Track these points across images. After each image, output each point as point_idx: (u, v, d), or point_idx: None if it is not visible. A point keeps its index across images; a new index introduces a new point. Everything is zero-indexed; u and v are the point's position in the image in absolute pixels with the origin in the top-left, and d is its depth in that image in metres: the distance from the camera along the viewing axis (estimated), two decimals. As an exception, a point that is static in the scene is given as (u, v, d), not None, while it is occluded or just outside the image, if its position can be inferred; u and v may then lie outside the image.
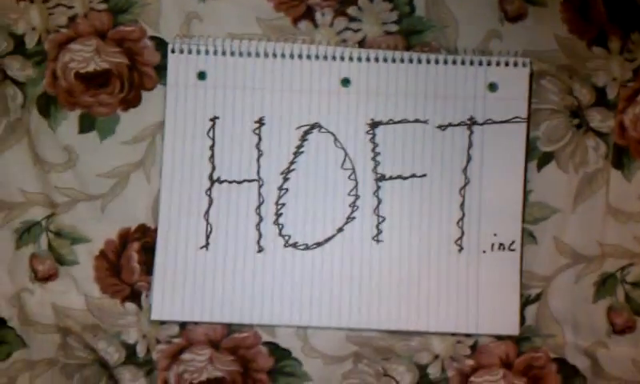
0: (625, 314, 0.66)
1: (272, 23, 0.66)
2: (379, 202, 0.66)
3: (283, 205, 0.66)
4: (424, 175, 0.66)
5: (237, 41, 0.66)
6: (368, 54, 0.66)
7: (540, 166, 0.66)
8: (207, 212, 0.65)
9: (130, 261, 0.66)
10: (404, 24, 0.66)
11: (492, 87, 0.66)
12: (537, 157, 0.66)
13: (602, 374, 0.66)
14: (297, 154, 0.66)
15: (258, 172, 0.66)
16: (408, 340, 0.66)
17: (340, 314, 0.65)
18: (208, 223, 0.65)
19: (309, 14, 0.66)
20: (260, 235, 0.65)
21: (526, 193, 0.66)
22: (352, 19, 0.66)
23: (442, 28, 0.66)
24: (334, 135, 0.66)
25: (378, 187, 0.66)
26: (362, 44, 0.66)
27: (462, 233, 0.66)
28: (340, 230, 0.66)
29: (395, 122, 0.66)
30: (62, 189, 0.66)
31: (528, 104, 0.66)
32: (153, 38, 0.66)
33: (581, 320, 0.66)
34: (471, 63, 0.66)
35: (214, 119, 0.65)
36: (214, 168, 0.65)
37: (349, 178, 0.66)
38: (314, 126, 0.66)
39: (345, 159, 0.66)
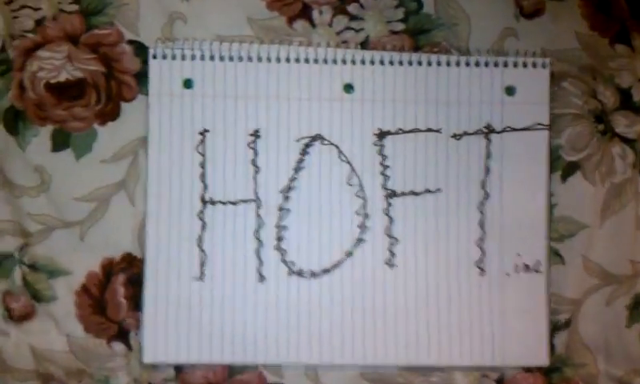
0: (662, 338, 0.61)
1: (265, 24, 0.59)
2: (390, 221, 0.59)
3: (284, 227, 0.58)
4: (438, 190, 0.59)
5: (226, 44, 0.58)
6: (372, 57, 0.59)
7: (564, 177, 0.60)
8: (200, 238, 0.58)
9: (115, 295, 0.59)
10: (411, 22, 0.60)
11: (509, 91, 0.59)
12: (560, 167, 0.60)
13: (639, 404, 0.61)
14: (297, 169, 0.59)
15: (255, 191, 0.58)
16: (428, 376, 0.60)
17: (353, 349, 0.58)
18: (202, 250, 0.58)
19: (305, 13, 0.59)
20: (260, 262, 0.58)
21: (550, 207, 0.60)
22: (353, 18, 0.60)
23: (452, 26, 0.60)
24: (337, 147, 0.59)
25: (389, 205, 0.59)
26: (364, 45, 0.60)
27: (483, 254, 0.59)
28: (349, 254, 0.59)
29: (405, 132, 0.59)
30: (35, 215, 0.59)
31: (549, 109, 0.59)
32: (131, 42, 0.59)
33: (614, 346, 0.60)
34: (486, 65, 0.59)
35: (203, 132, 0.58)
36: (205, 188, 0.58)
37: (356, 195, 0.59)
38: (316, 137, 0.59)
39: (351, 174, 0.59)
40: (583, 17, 0.60)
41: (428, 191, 0.59)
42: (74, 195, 0.58)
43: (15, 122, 0.58)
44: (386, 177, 0.59)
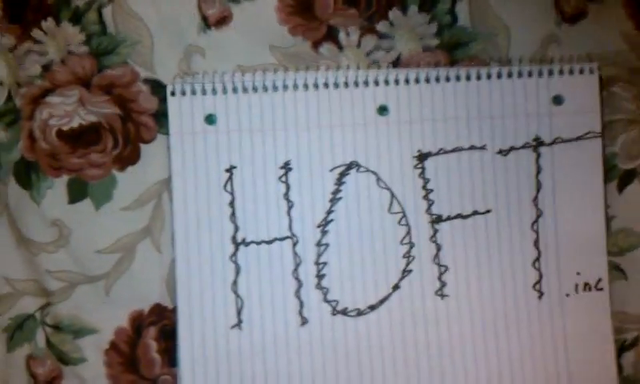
0: None
1: (289, 50, 0.54)
2: (438, 248, 0.54)
3: (324, 264, 0.54)
4: (488, 211, 0.54)
5: (249, 74, 0.54)
6: (406, 75, 0.54)
7: (621, 187, 0.56)
8: (235, 282, 0.53)
9: (147, 351, 0.54)
10: (445, 37, 0.55)
11: (557, 100, 0.55)
12: (616, 176, 0.56)
13: None
14: (334, 200, 0.54)
15: (290, 227, 0.54)
16: None
17: None
18: (237, 296, 0.53)
19: (331, 36, 0.54)
20: (301, 304, 0.54)
21: (607, 220, 0.55)
22: (382, 36, 0.55)
23: (490, 37, 0.55)
24: (375, 174, 0.54)
25: (435, 231, 0.54)
26: (396, 64, 0.55)
27: (540, 275, 0.54)
28: (396, 287, 0.54)
29: (447, 152, 0.54)
30: (55, 272, 0.54)
31: (601, 116, 0.55)
32: (147, 80, 0.54)
33: (687, 363, 0.56)
34: (529, 74, 0.54)
35: (230, 169, 0.53)
36: (236, 228, 0.53)
37: (399, 223, 0.54)
38: (351, 165, 0.54)
39: (392, 201, 0.54)
40: (628, 17, 0.56)
41: (476, 213, 0.54)
42: (96, 247, 0.54)
43: (27, 174, 0.54)
44: (429, 201, 0.54)
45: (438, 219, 0.54)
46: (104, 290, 0.54)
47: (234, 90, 0.53)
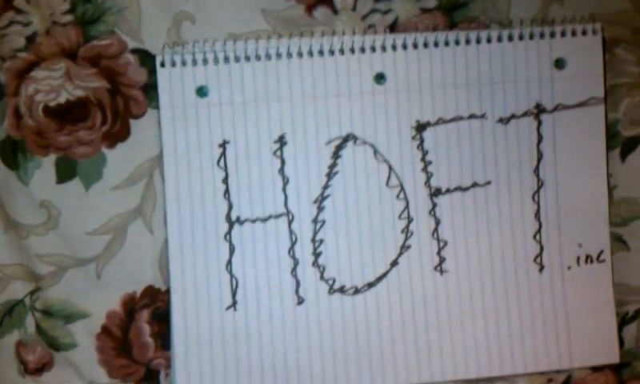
0: None
1: (282, 15, 0.52)
2: (437, 222, 0.53)
3: (321, 241, 0.52)
4: (488, 183, 0.53)
5: (241, 42, 0.52)
6: (404, 40, 0.52)
7: (624, 155, 0.55)
8: (229, 262, 0.52)
9: (140, 334, 0.53)
10: (444, -3, 0.54)
11: (559, 64, 0.53)
12: (619, 144, 0.55)
13: None
14: (330, 175, 0.52)
15: (286, 204, 0.52)
16: None
17: (407, 367, 0.53)
18: (232, 276, 0.52)
19: (325, -1, 0.53)
20: (298, 283, 0.52)
21: (609, 189, 0.54)
22: (379, -1, 0.54)
23: (490, -3, 0.54)
24: (373, 147, 0.53)
25: (434, 204, 0.53)
26: (394, 28, 0.53)
27: (541, 248, 0.53)
28: (394, 263, 0.53)
29: (446, 121, 0.53)
30: (44, 256, 0.53)
31: (604, 80, 0.53)
32: (136, 50, 0.52)
33: (689, 333, 0.55)
34: (531, 37, 0.53)
35: (223, 144, 0.52)
36: (230, 206, 0.52)
37: (397, 197, 0.53)
38: (348, 137, 0.52)
39: (390, 175, 0.53)
40: None
41: (476, 185, 0.53)
42: (86, 229, 0.52)
43: (14, 154, 0.52)
44: (428, 173, 0.53)
45: (437, 192, 0.53)
46: (95, 273, 0.53)
47: (226, 59, 0.51)
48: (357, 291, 0.53)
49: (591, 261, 0.54)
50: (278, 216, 0.52)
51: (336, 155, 0.52)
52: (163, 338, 0.53)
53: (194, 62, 0.51)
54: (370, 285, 0.53)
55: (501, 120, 0.53)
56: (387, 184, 0.53)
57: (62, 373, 0.53)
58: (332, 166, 0.52)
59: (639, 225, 0.55)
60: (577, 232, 0.54)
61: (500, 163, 0.53)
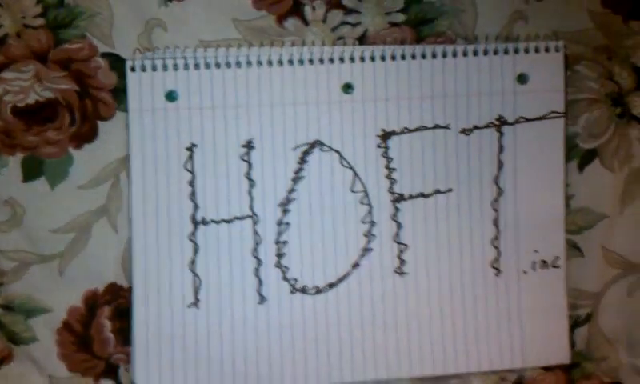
0: (686, 326, 0.76)
1: (252, 24, 0.70)
2: (399, 227, 0.72)
3: (285, 243, 0.71)
4: (449, 190, 0.73)
5: (211, 50, 0.69)
6: (372, 52, 0.71)
7: (582, 167, 0.75)
8: (193, 261, 0.70)
9: (101, 330, 0.71)
10: (412, 12, 0.72)
11: (522, 79, 0.72)
12: (578, 156, 0.74)
13: (665, 395, 0.76)
14: (296, 179, 0.71)
15: (251, 206, 0.71)
16: (445, 382, 0.74)
17: (364, 364, 0.72)
18: (195, 275, 0.70)
19: (296, 10, 0.71)
20: (260, 282, 0.71)
21: (567, 199, 0.74)
22: (349, 11, 0.71)
23: (457, 13, 0.72)
24: (338, 153, 0.71)
25: (397, 210, 0.72)
26: (362, 40, 0.72)
27: (499, 253, 0.73)
28: (355, 265, 0.72)
29: (411, 131, 0.72)
30: (8, 252, 0.70)
31: (564, 95, 0.73)
32: (106, 55, 0.69)
33: (636, 337, 0.76)
34: (495, 52, 0.72)
35: (191, 148, 0.70)
36: (196, 207, 0.70)
37: (361, 202, 0.72)
38: (314, 144, 0.71)
39: (354, 180, 0.72)
40: None
41: (438, 192, 0.72)
42: (51, 227, 0.69)
43: (-20, 152, 0.68)
44: (392, 180, 0.72)
45: (399, 198, 0.72)
46: (58, 270, 0.70)
47: (196, 65, 0.69)
48: (318, 291, 0.71)
49: (546, 266, 0.74)
50: (242, 218, 0.70)
51: (302, 160, 0.71)
52: (124, 334, 0.70)
53: (165, 67, 0.68)
54: (332, 285, 0.71)
55: (464, 131, 0.72)
56: (352, 189, 0.71)
57: (22, 366, 0.70)
58: (298, 171, 0.71)
59: (594, 233, 0.75)
60: (533, 238, 0.73)
61: (462, 172, 0.72)
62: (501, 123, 0.73)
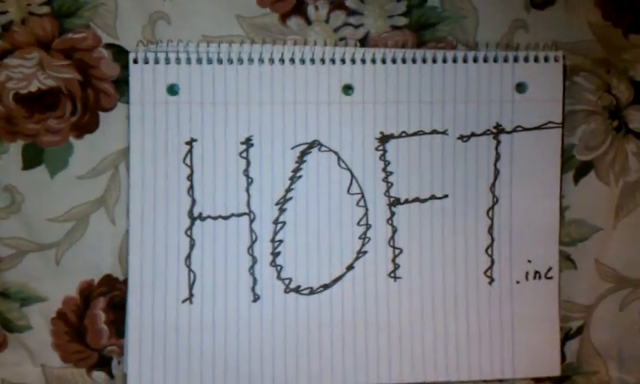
0: (677, 342, 0.77)
1: (256, 22, 0.71)
2: (394, 231, 0.72)
3: (280, 242, 0.71)
4: (445, 196, 0.73)
5: (214, 45, 0.70)
6: (373, 55, 0.71)
7: (577, 178, 0.75)
8: (189, 256, 0.70)
9: (95, 321, 0.71)
10: (414, 16, 0.72)
11: (520, 88, 0.73)
12: (573, 167, 0.75)
13: (653, 411, 0.76)
14: (293, 178, 0.71)
15: (248, 204, 0.71)
16: None
17: (355, 368, 0.72)
18: (190, 270, 0.70)
19: (300, 9, 0.71)
20: (255, 281, 0.71)
21: (561, 210, 0.74)
22: (352, 13, 0.72)
23: (458, 19, 0.72)
24: (337, 154, 0.72)
25: (393, 213, 0.72)
26: (364, 42, 0.72)
27: (492, 262, 0.74)
28: (350, 267, 0.72)
29: (409, 135, 0.72)
30: (5, 239, 0.70)
31: (562, 106, 0.73)
32: (110, 45, 0.70)
33: (627, 352, 0.76)
34: (495, 60, 0.72)
35: (190, 142, 0.70)
36: (193, 202, 0.70)
37: (357, 204, 0.72)
38: (313, 144, 0.71)
39: (351, 182, 0.72)
40: (596, 5, 0.73)
41: (434, 197, 0.72)
42: (49, 215, 0.69)
43: (-19, 138, 0.68)
44: (389, 184, 0.72)
45: (395, 202, 0.72)
46: (54, 259, 0.70)
47: (199, 60, 0.69)
48: (312, 292, 0.71)
49: (539, 277, 0.74)
50: (239, 215, 0.70)
51: (301, 160, 0.71)
52: (118, 326, 0.71)
53: (167, 61, 0.69)
54: (326, 286, 0.72)
55: (461, 137, 0.72)
56: (348, 191, 0.71)
57: (15, 354, 0.70)
58: (296, 170, 0.71)
59: (588, 245, 0.75)
60: (527, 249, 0.73)
61: (458, 178, 0.72)
62: (498, 131, 0.73)
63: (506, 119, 0.73)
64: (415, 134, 0.72)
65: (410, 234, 0.73)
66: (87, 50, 0.69)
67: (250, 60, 0.70)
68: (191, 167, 0.70)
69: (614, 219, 0.75)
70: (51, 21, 0.69)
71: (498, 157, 0.73)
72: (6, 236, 0.70)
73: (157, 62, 0.69)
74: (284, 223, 0.72)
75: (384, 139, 0.72)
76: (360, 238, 0.72)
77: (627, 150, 0.75)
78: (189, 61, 0.70)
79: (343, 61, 0.71)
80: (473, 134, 0.73)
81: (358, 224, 0.72)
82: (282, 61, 0.71)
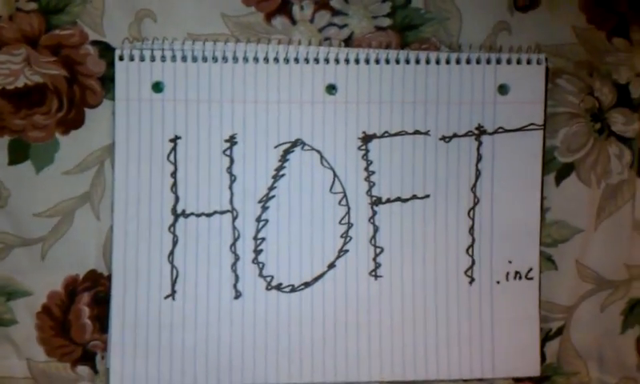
0: (656, 344, 0.77)
1: (241, 20, 0.71)
2: (376, 230, 0.73)
3: (263, 240, 0.72)
4: (427, 196, 0.73)
5: (199, 43, 0.70)
6: (356, 55, 0.72)
7: (559, 180, 0.75)
8: (172, 253, 0.71)
9: (79, 316, 0.71)
10: (398, 17, 0.73)
11: (502, 89, 0.73)
12: (555, 169, 0.75)
13: (633, 413, 0.77)
14: (276, 177, 0.72)
15: (231, 201, 0.71)
16: None
17: (335, 366, 0.73)
18: (173, 267, 0.71)
19: (285, 9, 0.72)
20: (237, 278, 0.72)
21: (542, 211, 0.74)
22: (336, 13, 0.72)
23: (442, 21, 0.73)
24: (319, 153, 0.72)
25: (374, 213, 0.73)
26: (348, 43, 0.73)
27: (473, 261, 0.74)
28: (331, 266, 0.73)
29: (391, 135, 0.72)
30: None
31: (544, 108, 0.74)
32: (96, 42, 0.70)
33: (607, 354, 0.77)
34: (478, 62, 0.73)
35: (174, 139, 0.70)
36: (177, 199, 0.71)
37: (339, 203, 0.72)
38: (296, 143, 0.72)
39: (334, 181, 0.72)
40: (580, 9, 0.74)
41: (415, 197, 0.73)
42: (34, 210, 0.70)
43: (-32, 133, 0.69)
44: (371, 183, 0.72)
45: (377, 201, 0.72)
46: (40, 254, 0.70)
47: (184, 58, 0.70)
48: (293, 289, 0.72)
49: (520, 277, 0.74)
50: (222, 212, 0.71)
51: (284, 159, 0.71)
52: (102, 321, 0.71)
53: (152, 58, 0.69)
54: (307, 284, 0.72)
55: (443, 138, 0.73)
56: (331, 190, 0.72)
57: (0, 348, 0.71)
58: (279, 169, 0.71)
59: (569, 247, 0.75)
60: (508, 249, 0.74)
61: (439, 178, 0.73)
62: (480, 132, 0.74)
63: (488, 121, 0.74)
64: (398, 134, 0.73)
65: (392, 234, 0.73)
66: (74, 46, 0.70)
67: (235, 58, 0.71)
68: (175, 164, 0.71)
69: (596, 221, 0.76)
70: (38, 17, 0.69)
71: (479, 158, 0.74)
72: (-8, 231, 0.70)
73: (142, 59, 0.70)
74: (266, 221, 0.72)
75: (366, 139, 0.73)
76: (342, 236, 0.73)
77: (609, 152, 0.76)
78: (174, 58, 0.70)
79: (327, 60, 0.72)
80: (455, 135, 0.73)
81: (340, 223, 0.73)
82: (266, 60, 0.71)
